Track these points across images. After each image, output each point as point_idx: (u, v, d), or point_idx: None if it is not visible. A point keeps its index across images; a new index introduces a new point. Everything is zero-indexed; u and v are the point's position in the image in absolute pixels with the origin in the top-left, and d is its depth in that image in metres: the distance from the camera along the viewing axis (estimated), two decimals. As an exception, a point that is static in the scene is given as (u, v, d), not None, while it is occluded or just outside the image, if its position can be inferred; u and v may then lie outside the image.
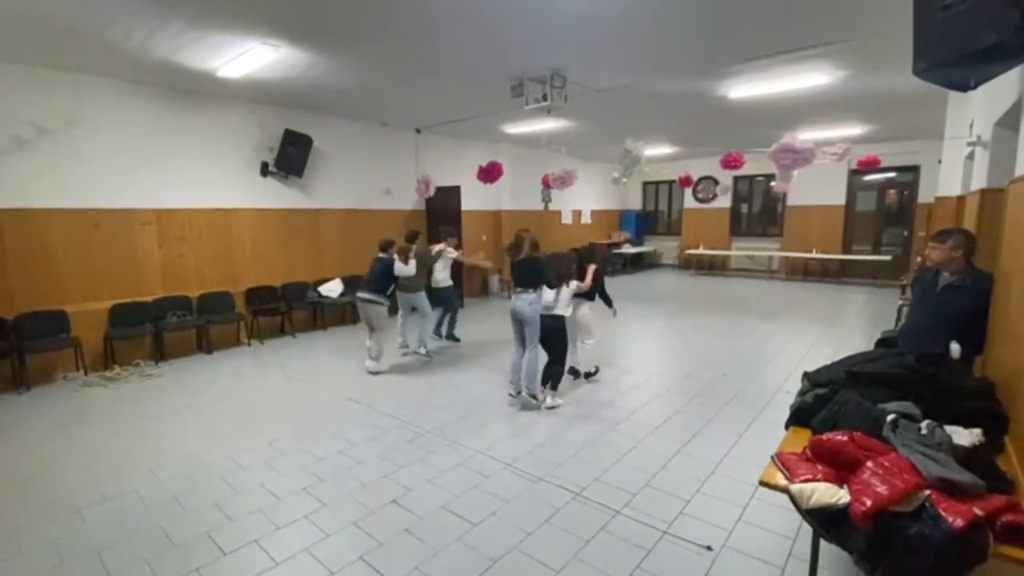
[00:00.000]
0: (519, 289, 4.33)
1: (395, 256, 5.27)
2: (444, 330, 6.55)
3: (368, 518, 2.79)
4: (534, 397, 4.35)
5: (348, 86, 5.99)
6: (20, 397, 4.85)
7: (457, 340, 6.51)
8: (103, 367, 5.57)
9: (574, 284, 4.43)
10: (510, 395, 4.48)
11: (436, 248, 6.10)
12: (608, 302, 4.98)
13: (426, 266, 5.72)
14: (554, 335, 4.36)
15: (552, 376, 4.42)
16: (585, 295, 4.73)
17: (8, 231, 5.03)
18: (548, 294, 4.32)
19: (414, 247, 5.49)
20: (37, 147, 5.12)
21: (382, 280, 5.26)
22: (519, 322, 4.34)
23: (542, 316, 4.29)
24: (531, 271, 4.31)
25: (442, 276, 6.26)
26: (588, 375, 5.01)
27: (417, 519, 2.77)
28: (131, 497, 3.04)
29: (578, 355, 4.94)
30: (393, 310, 5.78)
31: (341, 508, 2.89)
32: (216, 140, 6.46)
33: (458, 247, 6.46)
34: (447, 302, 6.41)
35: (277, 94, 6.33)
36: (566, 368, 4.60)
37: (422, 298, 5.73)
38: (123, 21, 4.01)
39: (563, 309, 4.36)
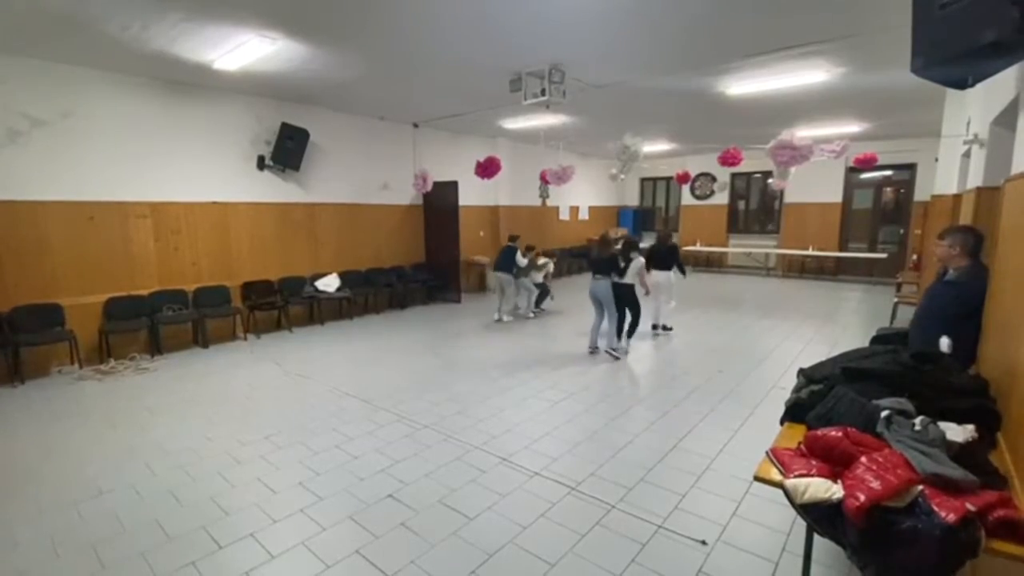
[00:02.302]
0: (598, 276, 5.69)
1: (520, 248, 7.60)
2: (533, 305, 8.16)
3: (364, 512, 2.79)
4: (614, 350, 5.66)
5: (345, 80, 5.96)
6: (15, 390, 4.84)
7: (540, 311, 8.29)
8: (98, 361, 5.56)
9: (642, 260, 5.83)
10: (589, 349, 5.84)
11: (541, 261, 8.16)
12: (682, 271, 6.71)
13: (533, 267, 7.98)
14: (628, 297, 5.77)
15: (630, 327, 5.97)
16: (665, 266, 6.43)
17: (2, 223, 4.99)
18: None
19: (532, 255, 7.86)
20: (31, 139, 5.09)
21: (508, 262, 7.57)
22: (599, 301, 5.68)
23: (618, 284, 5.69)
24: (608, 262, 5.66)
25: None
26: (666, 328, 6.58)
27: (413, 513, 2.78)
28: (126, 491, 3.04)
29: (661, 312, 6.57)
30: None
31: (337, 502, 2.90)
32: (212, 133, 6.42)
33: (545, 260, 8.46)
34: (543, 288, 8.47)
35: (274, 87, 6.29)
36: (639, 322, 6.04)
37: (527, 282, 7.94)
38: (119, 12, 3.97)
39: (632, 279, 5.77)
